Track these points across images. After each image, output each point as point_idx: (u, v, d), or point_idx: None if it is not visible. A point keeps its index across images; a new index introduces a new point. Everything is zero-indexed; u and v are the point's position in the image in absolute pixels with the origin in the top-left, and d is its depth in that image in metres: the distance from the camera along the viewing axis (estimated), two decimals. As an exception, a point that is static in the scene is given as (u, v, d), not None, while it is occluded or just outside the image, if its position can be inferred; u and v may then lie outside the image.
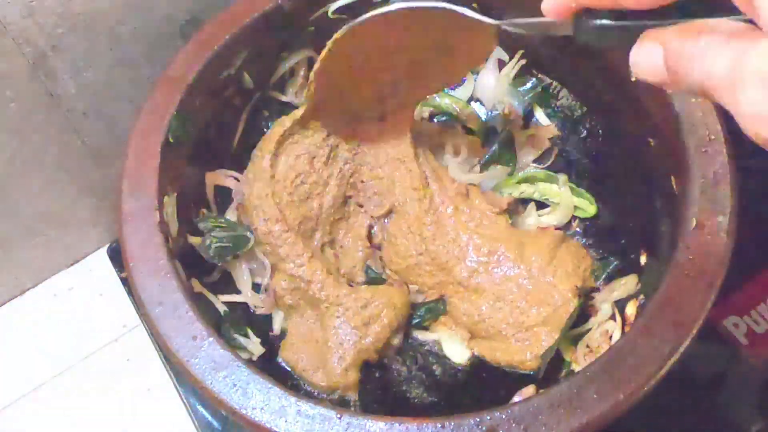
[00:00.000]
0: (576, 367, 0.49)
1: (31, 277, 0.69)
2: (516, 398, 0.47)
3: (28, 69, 0.53)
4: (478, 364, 0.52)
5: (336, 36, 0.46)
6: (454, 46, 0.46)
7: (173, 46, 0.59)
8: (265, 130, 0.59)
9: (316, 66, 0.48)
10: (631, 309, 0.49)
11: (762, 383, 0.55)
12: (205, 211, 0.54)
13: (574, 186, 0.58)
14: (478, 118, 0.61)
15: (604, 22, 0.28)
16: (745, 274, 0.57)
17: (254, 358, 0.50)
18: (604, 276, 0.53)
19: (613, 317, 0.50)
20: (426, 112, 0.61)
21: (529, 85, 0.60)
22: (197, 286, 0.50)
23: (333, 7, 0.55)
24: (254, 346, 0.50)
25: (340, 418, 0.38)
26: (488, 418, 0.37)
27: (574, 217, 0.58)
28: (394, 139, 0.55)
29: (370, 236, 0.56)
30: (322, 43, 0.58)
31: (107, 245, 0.69)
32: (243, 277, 0.54)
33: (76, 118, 0.59)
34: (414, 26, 0.45)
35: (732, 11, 0.24)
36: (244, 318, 0.53)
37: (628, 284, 0.51)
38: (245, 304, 0.54)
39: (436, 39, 0.46)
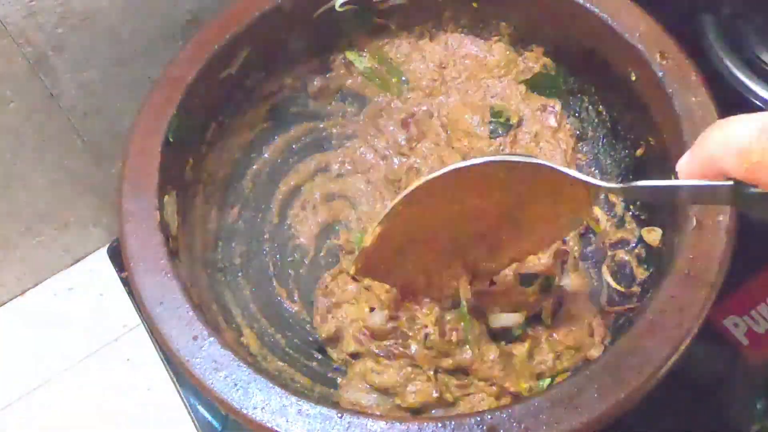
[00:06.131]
0: None
1: (31, 277, 0.69)
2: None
3: (28, 69, 0.53)
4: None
5: (409, 189, 0.38)
6: (543, 210, 0.39)
7: (173, 46, 0.59)
8: (276, 137, 0.60)
9: (377, 228, 0.41)
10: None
11: (762, 383, 0.55)
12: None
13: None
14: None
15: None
16: (745, 274, 0.57)
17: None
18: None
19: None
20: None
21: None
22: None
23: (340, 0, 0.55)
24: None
25: (341, 417, 0.38)
26: (489, 417, 0.37)
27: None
28: None
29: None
30: (325, 42, 0.59)
31: (107, 245, 0.69)
32: None
33: (76, 118, 0.59)
34: (489, 186, 0.37)
35: None
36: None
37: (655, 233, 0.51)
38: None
39: (517, 202, 0.38)
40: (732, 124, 0.27)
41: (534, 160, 0.36)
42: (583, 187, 0.35)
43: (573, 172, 0.35)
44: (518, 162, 0.36)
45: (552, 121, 0.59)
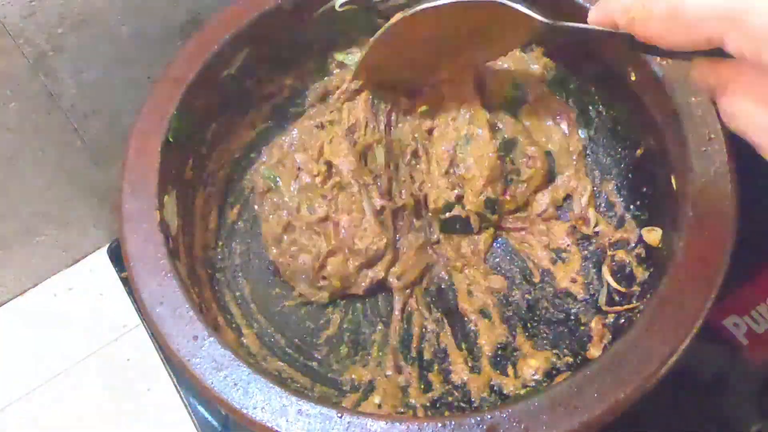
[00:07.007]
0: None
1: (31, 277, 0.69)
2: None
3: (28, 69, 0.53)
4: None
5: (388, 24, 0.50)
6: (498, 31, 0.48)
7: (173, 46, 0.59)
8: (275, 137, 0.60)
9: (365, 50, 0.52)
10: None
11: (762, 383, 0.55)
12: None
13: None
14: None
15: None
16: (745, 274, 0.57)
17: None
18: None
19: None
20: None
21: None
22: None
23: (340, 0, 0.55)
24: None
25: (340, 417, 0.38)
26: (489, 417, 0.37)
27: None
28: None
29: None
30: (328, 42, 0.59)
31: (107, 245, 0.69)
32: None
33: (76, 118, 0.59)
34: (461, 15, 0.47)
35: None
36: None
37: (655, 233, 0.51)
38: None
39: (481, 24, 0.48)
40: None
41: None
42: (523, 16, 0.45)
43: (517, 6, 0.45)
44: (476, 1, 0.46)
45: (564, 128, 0.59)
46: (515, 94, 0.60)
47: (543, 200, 0.58)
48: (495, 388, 0.51)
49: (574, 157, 0.58)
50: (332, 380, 0.52)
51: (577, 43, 0.55)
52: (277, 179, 0.58)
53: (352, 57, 0.60)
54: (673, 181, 0.48)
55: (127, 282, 0.49)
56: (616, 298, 0.52)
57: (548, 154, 0.58)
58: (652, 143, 0.51)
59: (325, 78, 0.61)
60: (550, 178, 0.58)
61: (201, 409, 0.56)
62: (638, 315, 0.44)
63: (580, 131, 0.59)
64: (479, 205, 0.56)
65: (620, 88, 0.53)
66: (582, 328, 0.53)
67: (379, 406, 0.50)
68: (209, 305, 0.50)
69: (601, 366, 0.39)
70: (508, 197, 0.57)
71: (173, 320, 0.42)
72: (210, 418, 0.56)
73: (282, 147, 0.59)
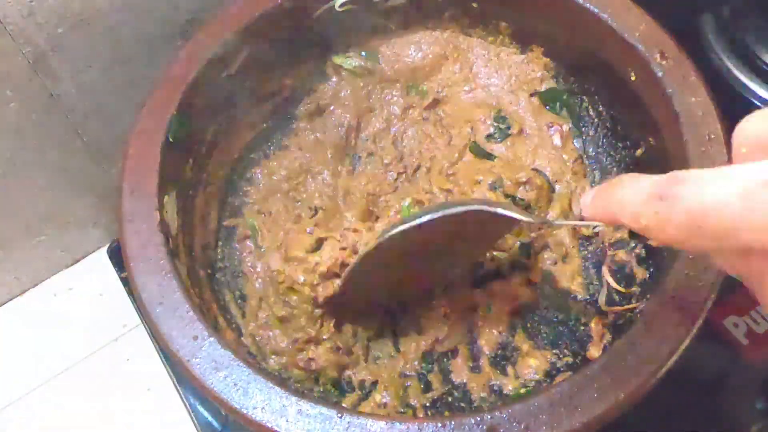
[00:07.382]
0: None
1: (31, 277, 0.69)
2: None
3: (28, 69, 0.53)
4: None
5: (365, 250, 0.45)
6: (487, 229, 0.44)
7: (173, 46, 0.59)
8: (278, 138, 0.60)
9: (340, 282, 0.48)
10: None
11: (762, 383, 0.55)
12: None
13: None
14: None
15: None
16: (745, 274, 0.57)
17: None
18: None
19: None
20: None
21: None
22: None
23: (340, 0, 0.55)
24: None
25: (340, 417, 0.38)
26: (489, 417, 0.37)
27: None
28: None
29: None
30: (328, 42, 0.59)
31: (107, 245, 0.69)
32: None
33: (76, 118, 0.59)
34: (445, 225, 0.41)
35: None
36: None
37: None
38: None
39: (466, 228, 0.43)
40: (628, 186, 0.29)
41: (471, 207, 0.40)
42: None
43: (501, 210, 0.40)
44: (459, 212, 0.40)
45: (557, 140, 0.59)
46: (499, 126, 0.60)
47: (554, 213, 0.56)
48: (495, 388, 0.51)
49: (570, 163, 0.58)
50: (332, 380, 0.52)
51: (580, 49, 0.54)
52: (257, 233, 0.56)
53: (351, 60, 0.60)
54: (673, 181, 0.47)
55: (127, 282, 0.49)
56: (616, 298, 0.52)
57: (536, 170, 0.57)
58: (652, 143, 0.51)
59: (318, 90, 0.61)
60: (551, 189, 0.58)
61: (201, 409, 0.56)
62: (638, 315, 0.44)
63: (574, 141, 0.59)
64: (514, 253, 0.54)
65: (620, 88, 0.53)
66: (582, 328, 0.53)
67: (379, 405, 0.50)
68: (209, 305, 0.50)
69: (601, 366, 0.39)
70: (535, 234, 0.55)
71: (173, 320, 0.42)
72: (210, 418, 0.56)
73: (271, 176, 0.59)
